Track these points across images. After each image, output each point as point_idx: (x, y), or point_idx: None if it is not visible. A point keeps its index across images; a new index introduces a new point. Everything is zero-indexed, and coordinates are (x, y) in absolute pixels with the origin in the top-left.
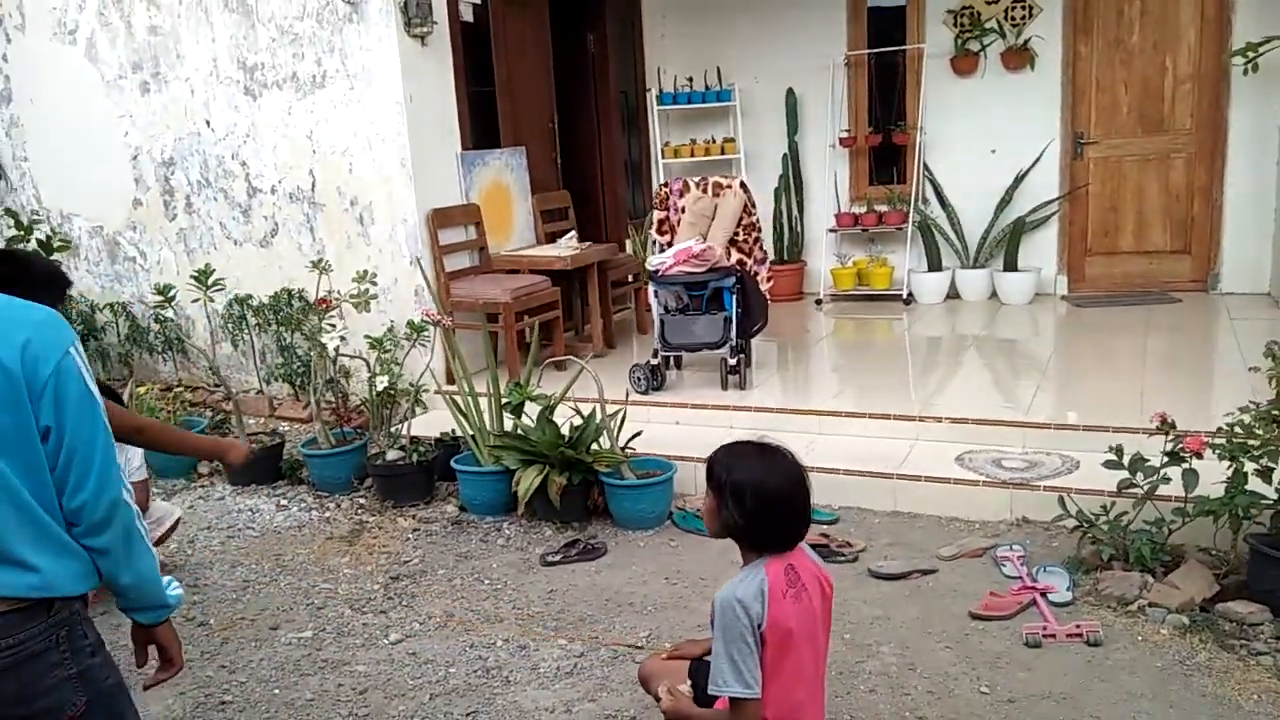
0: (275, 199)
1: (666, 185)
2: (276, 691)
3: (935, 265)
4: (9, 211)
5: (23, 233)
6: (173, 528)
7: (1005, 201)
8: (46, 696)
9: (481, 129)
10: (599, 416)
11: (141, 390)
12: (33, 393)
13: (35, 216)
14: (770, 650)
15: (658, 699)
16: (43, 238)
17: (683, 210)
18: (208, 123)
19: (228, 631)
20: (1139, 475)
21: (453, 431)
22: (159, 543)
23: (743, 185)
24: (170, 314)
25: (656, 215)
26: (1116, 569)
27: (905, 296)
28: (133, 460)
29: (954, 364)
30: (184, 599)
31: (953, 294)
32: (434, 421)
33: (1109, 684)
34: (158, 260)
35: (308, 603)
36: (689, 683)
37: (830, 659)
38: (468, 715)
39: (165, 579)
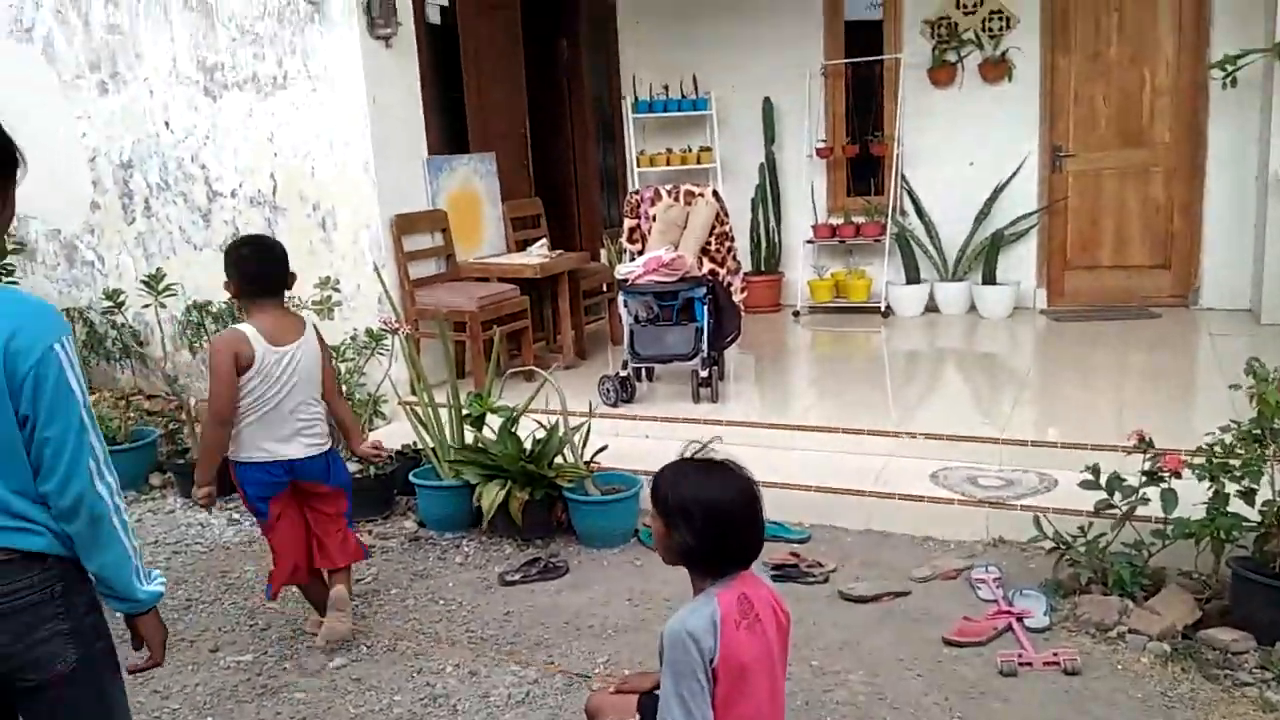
0: (236, 203)
1: (638, 193)
2: None
3: (913, 278)
4: None
5: None
6: None
7: (984, 214)
8: (38, 648)
9: (450, 134)
10: (562, 429)
11: (93, 399)
12: (13, 383)
13: None
14: (723, 686)
15: None
16: None
17: (653, 218)
18: (167, 124)
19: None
20: (1116, 495)
21: (414, 444)
22: None
23: (715, 194)
24: (125, 320)
25: (627, 223)
26: (1095, 593)
27: (883, 309)
28: None
29: (931, 378)
30: (162, 595)
31: (931, 307)
32: (396, 433)
33: (1087, 717)
34: (116, 265)
35: (251, 624)
36: (637, 717)
37: (796, 687)
38: None
39: (154, 572)
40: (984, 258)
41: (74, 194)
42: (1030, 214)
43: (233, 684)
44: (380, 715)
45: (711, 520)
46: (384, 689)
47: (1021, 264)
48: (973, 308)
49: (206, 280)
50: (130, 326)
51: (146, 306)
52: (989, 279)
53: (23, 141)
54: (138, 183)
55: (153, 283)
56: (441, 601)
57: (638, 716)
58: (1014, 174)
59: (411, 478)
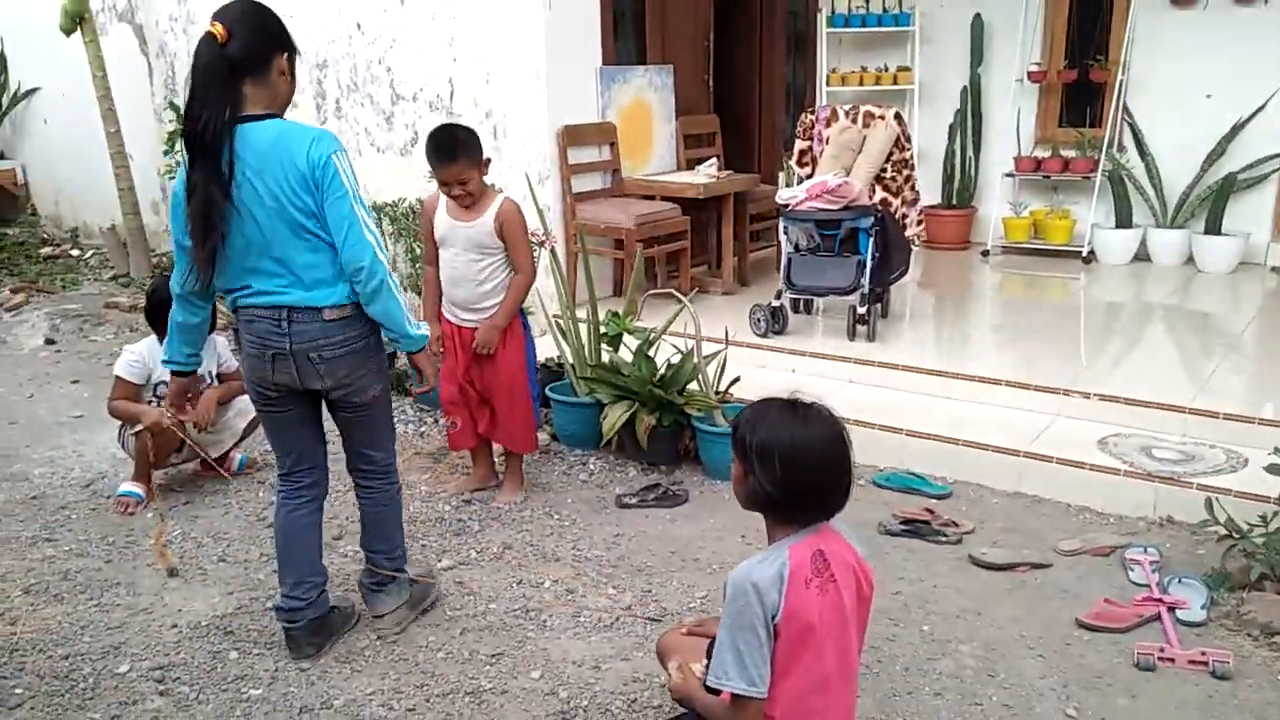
0: (416, 107)
1: (813, 113)
2: None
3: (1125, 222)
4: (173, 105)
5: None
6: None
7: (1217, 154)
8: (364, 378)
9: (627, 43)
10: (696, 356)
11: None
12: (313, 179)
13: None
14: (783, 644)
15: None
16: None
17: (826, 141)
18: (358, 25)
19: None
20: None
21: (557, 358)
22: (245, 436)
23: (897, 116)
24: None
25: (798, 145)
26: (1267, 591)
27: (1085, 254)
28: (222, 351)
29: (1127, 335)
30: (429, 337)
31: (1142, 255)
32: (541, 347)
33: None
34: None
35: None
36: (705, 662)
37: (898, 650)
38: (493, 656)
39: (417, 322)
40: (1210, 203)
41: None
42: (1273, 157)
43: (346, 572)
44: (474, 620)
45: (790, 466)
46: (482, 595)
47: (1254, 213)
48: (1190, 260)
49: (386, 183)
50: None
51: None
52: (1213, 228)
53: None
54: (330, 83)
55: None
56: (556, 516)
57: (706, 661)
58: (1259, 110)
59: (548, 390)
